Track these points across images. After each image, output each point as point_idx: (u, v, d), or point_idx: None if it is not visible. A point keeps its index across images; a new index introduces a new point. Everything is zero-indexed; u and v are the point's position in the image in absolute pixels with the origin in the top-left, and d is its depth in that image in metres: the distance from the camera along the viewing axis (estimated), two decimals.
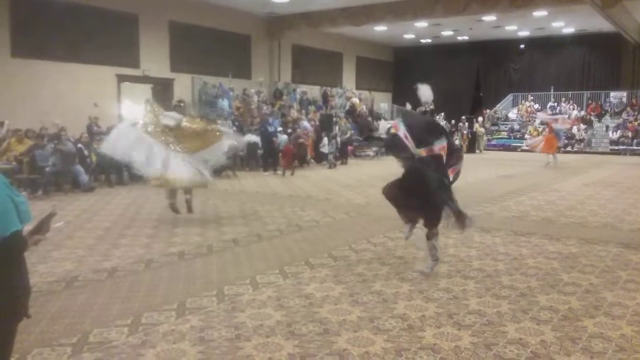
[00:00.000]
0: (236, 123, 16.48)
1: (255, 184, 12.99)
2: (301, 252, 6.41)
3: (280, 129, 16.90)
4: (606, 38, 25.03)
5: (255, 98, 20.09)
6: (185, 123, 8.20)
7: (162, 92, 19.30)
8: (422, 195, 5.40)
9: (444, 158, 5.48)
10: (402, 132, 5.53)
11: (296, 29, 23.07)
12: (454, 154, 5.72)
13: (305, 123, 17.96)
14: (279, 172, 14.82)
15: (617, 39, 24.66)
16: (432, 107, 6.15)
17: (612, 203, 9.92)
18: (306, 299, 4.79)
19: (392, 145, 5.76)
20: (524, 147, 22.39)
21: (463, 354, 3.72)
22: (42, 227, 2.49)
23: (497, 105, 27.82)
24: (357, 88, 28.31)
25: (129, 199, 10.57)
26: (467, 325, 4.21)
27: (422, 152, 5.42)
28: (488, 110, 26.54)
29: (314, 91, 24.61)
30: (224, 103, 18.72)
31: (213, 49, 20.20)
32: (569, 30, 26.18)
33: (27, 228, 2.47)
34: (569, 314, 4.43)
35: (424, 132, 5.54)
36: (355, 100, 24.53)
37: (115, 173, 12.47)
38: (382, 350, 3.77)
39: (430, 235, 5.59)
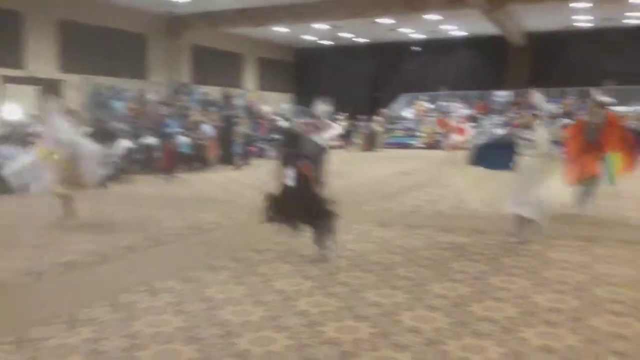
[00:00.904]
0: (132, 125, 15.88)
1: (153, 187, 12.57)
2: (202, 255, 6.31)
3: (180, 130, 16.48)
4: (492, 40, 26.73)
5: (152, 99, 19.47)
6: None
7: (50, 94, 18.22)
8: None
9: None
10: None
11: (195, 29, 22.62)
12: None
13: (206, 125, 17.64)
14: (167, 177, 14.36)
15: (502, 41, 26.44)
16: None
17: (499, 195, 10.57)
18: (207, 302, 4.72)
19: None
20: (419, 145, 23.32)
21: (362, 345, 3.83)
22: None
23: (393, 105, 28.84)
24: (260, 89, 28.27)
25: (11, 209, 9.85)
26: (366, 316, 4.34)
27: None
28: (385, 110, 27.44)
29: (214, 92, 24.27)
30: (118, 105, 18.00)
31: (106, 48, 19.37)
32: (458, 33, 27.71)
33: None
34: (459, 300, 4.69)
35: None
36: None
37: None
38: (284, 347, 3.80)
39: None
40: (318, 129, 6.07)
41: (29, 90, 17.76)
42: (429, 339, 3.91)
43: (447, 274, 5.46)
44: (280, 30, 25.64)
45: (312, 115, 6.23)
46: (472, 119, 22.71)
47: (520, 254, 6.18)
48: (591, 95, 8.93)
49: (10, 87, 16.64)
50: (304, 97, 23.29)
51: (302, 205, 5.80)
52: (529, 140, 6.38)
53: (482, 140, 6.68)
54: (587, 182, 8.01)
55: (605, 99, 8.88)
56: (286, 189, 5.90)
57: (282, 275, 5.48)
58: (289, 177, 5.82)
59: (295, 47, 31.75)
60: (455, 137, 18.02)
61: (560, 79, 26.23)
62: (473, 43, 28.49)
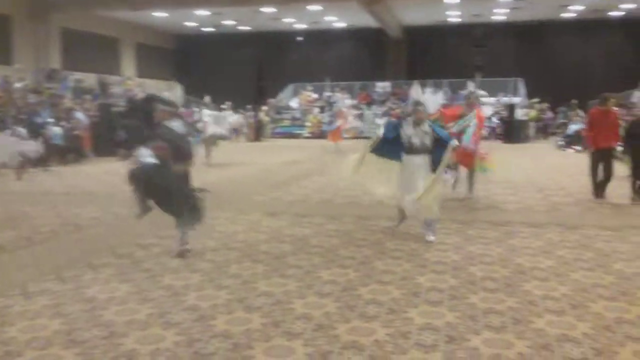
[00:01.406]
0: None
1: (22, 182, 11.61)
2: (81, 254, 5.94)
3: (51, 120, 15.34)
4: (372, 33, 27.67)
5: (19, 86, 17.93)
6: None
7: None
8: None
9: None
10: None
11: (64, 11, 21.11)
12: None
13: (79, 114, 16.57)
14: (52, 168, 13.46)
15: (382, 34, 27.45)
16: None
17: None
18: (88, 302, 4.46)
19: None
20: (306, 135, 23.56)
21: (254, 335, 3.82)
22: None
23: (280, 95, 28.94)
24: (139, 76, 27.05)
25: None
26: (257, 307, 4.34)
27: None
28: (271, 100, 27.45)
29: (89, 79, 22.85)
30: None
31: None
32: (340, 24, 28.35)
33: None
34: (347, 285, 4.83)
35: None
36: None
37: None
38: (173, 344, 3.69)
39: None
40: (174, 115, 5.77)
41: None
42: (319, 324, 4.00)
43: (335, 260, 5.60)
44: (160, 15, 24.68)
45: (169, 103, 5.93)
46: (355, 108, 23.33)
47: (402, 237, 6.48)
48: (468, 88, 9.61)
49: None
50: (186, 85, 22.61)
51: (162, 190, 5.58)
52: (415, 136, 6.30)
53: (386, 131, 6.50)
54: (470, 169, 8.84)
55: (480, 92, 9.76)
56: (146, 170, 5.60)
57: (170, 270, 5.32)
58: (144, 156, 5.55)
59: (176, 34, 30.77)
60: (340, 126, 18.45)
61: (435, 71, 27.73)
62: (354, 35, 29.30)
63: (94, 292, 4.71)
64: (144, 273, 5.22)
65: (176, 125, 5.72)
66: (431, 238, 6.25)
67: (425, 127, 6.34)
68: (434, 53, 28.97)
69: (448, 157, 6.29)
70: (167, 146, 5.54)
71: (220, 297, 4.58)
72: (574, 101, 22.54)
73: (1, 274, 5.26)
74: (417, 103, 6.55)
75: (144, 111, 5.85)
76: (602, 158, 8.63)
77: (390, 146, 6.46)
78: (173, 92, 6.08)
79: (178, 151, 5.62)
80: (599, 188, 8.73)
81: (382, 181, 6.57)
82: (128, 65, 27.23)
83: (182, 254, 5.75)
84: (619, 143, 8.97)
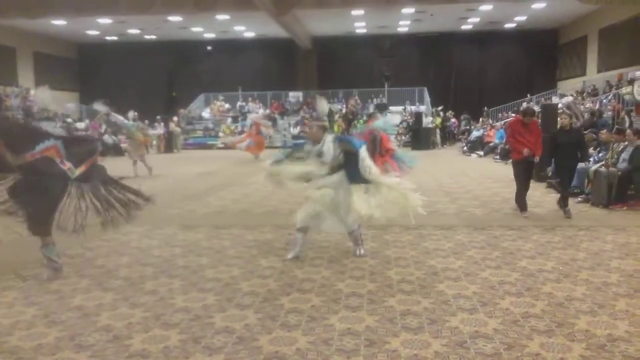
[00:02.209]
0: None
1: None
2: None
3: None
4: (283, 43, 27.86)
5: None
6: None
7: None
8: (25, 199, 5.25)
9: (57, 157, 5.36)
10: None
11: None
12: (81, 146, 5.70)
13: None
14: None
15: (292, 44, 27.70)
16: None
17: (299, 192, 11.07)
18: None
19: None
20: (220, 145, 23.31)
21: (173, 353, 3.72)
22: None
23: (191, 105, 28.45)
24: (37, 86, 25.56)
25: None
26: (175, 323, 4.22)
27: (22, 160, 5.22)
28: (182, 110, 26.89)
29: None
30: None
31: None
32: (250, 34, 28.33)
33: None
34: (268, 295, 4.81)
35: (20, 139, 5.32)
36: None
37: None
38: None
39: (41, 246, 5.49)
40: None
41: None
42: (241, 337, 3.95)
43: (255, 271, 5.57)
44: (59, 23, 23.53)
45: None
46: (269, 118, 23.37)
47: (321, 245, 6.55)
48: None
49: None
50: (90, 96, 21.64)
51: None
52: (319, 154, 5.83)
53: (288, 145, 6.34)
54: None
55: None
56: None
57: (80, 290, 5.06)
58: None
59: (78, 42, 29.43)
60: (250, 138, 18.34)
61: (345, 81, 28.38)
62: (265, 44, 29.39)
63: None
64: (52, 294, 4.93)
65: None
66: (362, 251, 6.05)
67: (329, 143, 5.80)
68: (344, 63, 29.66)
69: (367, 160, 5.66)
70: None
71: (135, 315, 4.42)
72: (486, 109, 23.93)
73: None
74: (317, 118, 6.13)
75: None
76: (525, 168, 8.29)
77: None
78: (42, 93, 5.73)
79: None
80: (522, 201, 8.39)
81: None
82: (26, 75, 25.70)
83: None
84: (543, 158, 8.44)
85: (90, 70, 29.33)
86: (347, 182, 5.80)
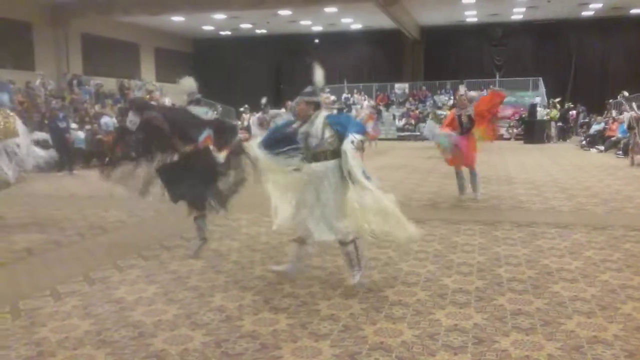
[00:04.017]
0: (21, 119, 14.75)
1: (48, 186, 11.80)
2: (107, 256, 6.01)
3: (74, 125, 15.56)
4: (389, 34, 27.61)
5: (42, 91, 18.21)
6: None
7: None
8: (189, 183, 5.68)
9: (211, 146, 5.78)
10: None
11: (85, 16, 21.40)
12: (225, 134, 6.02)
13: (107, 118, 16.78)
14: (76, 172, 13.70)
15: (399, 35, 27.38)
16: (197, 96, 6.23)
17: (402, 184, 11.01)
18: (117, 303, 4.52)
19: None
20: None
21: (281, 336, 3.84)
22: None
23: (298, 98, 29.01)
24: (158, 80, 27.32)
25: None
26: (283, 308, 4.35)
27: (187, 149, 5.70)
28: (290, 102, 27.51)
29: (109, 84, 23.12)
30: (4, 97, 16.63)
31: None
32: (357, 26, 28.33)
33: None
34: (372, 286, 4.82)
35: (188, 127, 5.75)
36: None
37: None
38: (201, 345, 3.72)
39: (197, 217, 5.91)
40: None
41: None
42: (346, 325, 3.99)
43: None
44: (177, 19, 24.91)
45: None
46: (374, 110, 23.28)
47: (425, 239, 6.43)
48: (459, 90, 9.53)
49: None
50: (204, 88, 22.74)
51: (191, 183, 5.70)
52: (306, 135, 4.73)
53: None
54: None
55: (472, 93, 9.75)
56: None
57: (195, 271, 5.36)
58: None
59: (193, 38, 31.00)
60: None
61: (453, 72, 27.61)
62: (371, 36, 29.27)
63: (121, 293, 4.76)
64: (170, 274, 5.27)
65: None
66: (357, 278, 4.76)
67: (318, 122, 4.73)
68: (452, 53, 28.86)
69: (351, 157, 4.49)
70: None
71: (245, 298, 4.61)
72: (611, 101, 22.20)
73: (31, 277, 5.34)
74: (308, 92, 4.92)
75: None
76: None
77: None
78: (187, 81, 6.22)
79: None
80: None
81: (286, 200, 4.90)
82: (147, 69, 27.51)
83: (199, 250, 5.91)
84: None
85: (204, 64, 30.78)
86: (338, 176, 4.65)
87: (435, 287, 4.76)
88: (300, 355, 3.55)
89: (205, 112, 6.16)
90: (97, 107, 18.35)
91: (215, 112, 6.52)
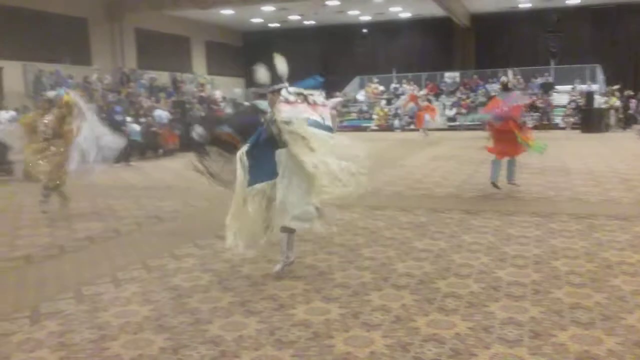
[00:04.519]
0: None
1: (106, 176, 12.18)
2: (164, 244, 6.19)
3: (129, 118, 16.05)
4: (439, 22, 27.11)
5: (99, 86, 18.84)
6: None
7: None
8: None
9: None
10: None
11: (138, 11, 21.96)
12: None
13: (159, 111, 17.23)
14: (132, 163, 14.15)
15: (449, 23, 26.85)
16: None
17: (453, 174, 10.85)
18: (174, 290, 4.66)
19: None
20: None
21: (333, 325, 3.87)
22: None
23: (346, 88, 28.92)
24: (209, 73, 27.80)
25: None
26: (335, 298, 4.39)
27: None
28: (338, 93, 27.47)
29: (162, 77, 23.68)
30: (62, 92, 17.31)
31: (46, 33, 18.54)
32: (406, 14, 27.96)
33: None
34: (424, 278, 4.79)
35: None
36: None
37: None
38: (255, 331, 3.80)
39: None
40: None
41: None
42: (397, 316, 3.99)
43: (410, 253, 5.56)
44: (227, 12, 25.22)
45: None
46: (424, 99, 22.96)
47: (478, 231, 6.34)
48: (505, 76, 9.16)
49: None
50: (253, 81, 22.96)
51: None
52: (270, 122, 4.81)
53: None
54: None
55: (512, 79, 9.47)
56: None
57: (248, 260, 5.44)
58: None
59: (243, 30, 31.32)
60: (428, 117, 18.42)
61: (505, 60, 26.84)
62: (420, 25, 28.82)
63: (178, 281, 4.91)
64: (224, 263, 5.39)
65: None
66: (276, 267, 4.91)
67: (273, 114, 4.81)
68: (504, 41, 28.07)
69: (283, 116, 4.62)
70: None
71: (297, 287, 4.67)
72: None
73: (92, 264, 5.57)
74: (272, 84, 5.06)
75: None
76: None
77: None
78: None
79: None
80: None
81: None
82: (199, 62, 28.01)
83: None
84: None
85: (253, 57, 30.95)
86: (288, 164, 4.71)
87: (489, 280, 4.69)
88: (352, 345, 3.57)
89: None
90: (149, 101, 18.83)
91: None
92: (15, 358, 3.49)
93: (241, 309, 4.22)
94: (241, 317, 4.07)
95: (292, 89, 4.86)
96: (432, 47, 29.66)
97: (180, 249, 5.95)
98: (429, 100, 20.60)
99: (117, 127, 14.04)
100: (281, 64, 5.13)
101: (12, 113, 14.71)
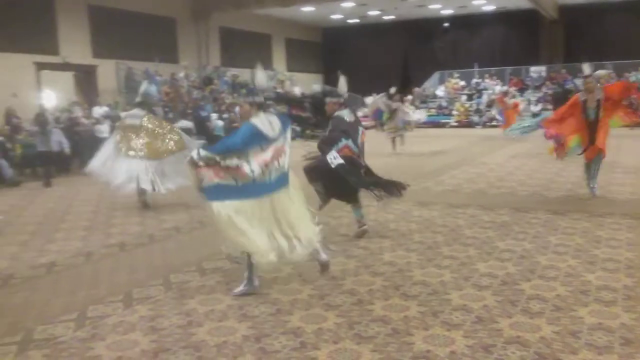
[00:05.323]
0: (166, 109, 16.06)
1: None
2: None
3: (214, 114, 16.62)
4: (524, 14, 26.10)
5: (185, 83, 19.61)
6: (146, 122, 7.96)
7: (84, 79, 18.52)
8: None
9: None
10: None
11: (223, 10, 22.64)
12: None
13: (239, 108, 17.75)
14: None
15: (535, 15, 25.79)
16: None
17: (538, 172, 10.45)
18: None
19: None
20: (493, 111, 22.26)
21: (412, 322, 3.85)
22: None
23: (425, 83, 28.49)
24: (288, 70, 28.24)
25: (59, 191, 10.13)
26: (414, 295, 4.36)
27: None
28: (417, 89, 27.11)
29: (244, 74, 24.29)
30: (152, 89, 18.16)
31: (137, 33, 19.52)
32: (489, 7, 27.13)
33: None
34: (507, 279, 4.66)
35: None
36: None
37: (42, 166, 11.86)
38: (334, 325, 3.85)
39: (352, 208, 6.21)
40: (341, 105, 6.08)
41: (64, 76, 18.10)
42: (479, 317, 3.91)
43: (492, 252, 5.42)
44: (307, 9, 25.49)
45: (336, 94, 6.21)
46: (507, 95, 22.25)
47: (565, 232, 6.09)
48: (583, 71, 8.01)
49: (45, 73, 16.94)
50: (332, 77, 23.13)
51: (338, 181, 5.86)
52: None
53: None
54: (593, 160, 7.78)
55: (601, 71, 8.50)
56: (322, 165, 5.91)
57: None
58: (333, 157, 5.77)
59: (322, 27, 31.55)
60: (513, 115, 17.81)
61: (596, 53, 25.42)
62: (505, 17, 27.87)
63: (260, 272, 5.03)
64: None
65: (345, 113, 5.98)
66: (235, 291, 4.53)
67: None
68: (595, 33, 26.58)
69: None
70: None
71: (376, 283, 4.67)
72: None
73: (179, 253, 5.84)
74: (249, 92, 4.77)
75: (316, 105, 6.19)
76: None
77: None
78: (339, 83, 6.29)
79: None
80: None
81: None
82: (279, 59, 28.52)
83: (360, 234, 6.13)
84: None
85: (332, 53, 31.23)
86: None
87: (576, 283, 4.49)
88: (432, 343, 3.54)
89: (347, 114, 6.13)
90: (230, 98, 19.38)
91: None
92: (110, 339, 3.73)
93: (320, 302, 4.28)
94: (320, 310, 4.13)
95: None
96: (516, 41, 28.60)
97: None
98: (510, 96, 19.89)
99: (202, 122, 14.66)
100: (261, 75, 4.89)
101: (105, 108, 15.65)
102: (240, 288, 4.52)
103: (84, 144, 12.58)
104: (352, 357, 3.40)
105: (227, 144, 4.41)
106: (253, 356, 3.43)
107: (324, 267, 4.79)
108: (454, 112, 24.99)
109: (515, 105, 18.17)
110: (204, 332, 3.79)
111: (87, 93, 18.13)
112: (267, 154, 4.33)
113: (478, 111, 24.20)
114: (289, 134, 4.58)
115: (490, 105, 22.54)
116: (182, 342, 3.64)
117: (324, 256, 4.78)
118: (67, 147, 11.75)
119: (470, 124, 23.91)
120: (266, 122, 4.38)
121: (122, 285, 4.80)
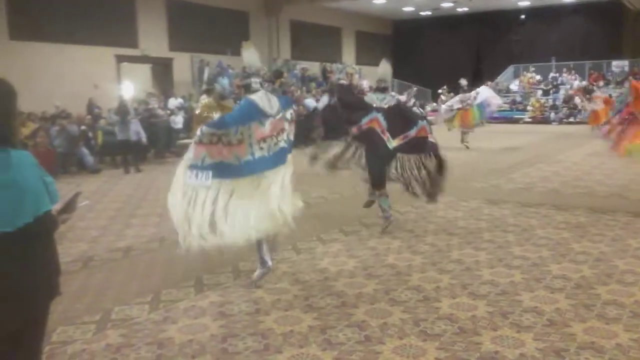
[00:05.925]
0: (238, 101, 16.39)
1: None
2: (312, 229, 6.43)
3: None
4: (607, 6, 24.78)
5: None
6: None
7: (161, 72, 19.20)
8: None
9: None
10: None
11: (294, 3, 22.85)
12: (400, 121, 6.11)
13: (308, 100, 17.86)
14: None
15: (618, 6, 24.42)
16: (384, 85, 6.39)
17: (618, 172, 9.93)
18: (321, 273, 4.85)
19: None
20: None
21: (480, 322, 3.78)
22: (68, 207, 2.50)
23: (498, 77, 27.65)
24: (357, 63, 28.13)
25: (136, 179, 10.60)
26: (482, 295, 4.27)
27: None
28: (489, 82, 26.36)
29: (313, 67, 24.44)
30: (224, 81, 18.60)
31: (211, 26, 20.01)
32: None
33: (55, 208, 2.48)
34: (581, 282, 4.48)
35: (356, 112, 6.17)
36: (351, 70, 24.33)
37: (122, 154, 12.43)
38: (400, 321, 3.83)
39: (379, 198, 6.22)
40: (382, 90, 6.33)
41: (142, 68, 18.84)
42: (551, 320, 3.78)
43: (566, 254, 5.22)
44: (379, 2, 25.29)
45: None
46: (586, 90, 21.23)
47: None
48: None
49: (124, 65, 17.69)
50: (401, 70, 22.82)
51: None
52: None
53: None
54: None
55: None
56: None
57: (392, 250, 5.50)
58: None
59: (393, 19, 31.21)
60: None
61: None
62: (585, 9, 26.56)
63: (325, 264, 5.09)
64: (369, 250, 5.49)
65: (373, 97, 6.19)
66: (254, 275, 4.59)
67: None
68: None
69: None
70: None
71: (443, 280, 4.61)
72: None
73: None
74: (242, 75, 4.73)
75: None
76: None
77: None
78: (382, 67, 6.37)
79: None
80: None
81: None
82: (348, 52, 28.48)
83: (385, 227, 6.14)
84: None
85: (403, 46, 30.85)
86: None
87: None
88: (501, 345, 3.46)
89: (381, 99, 6.20)
90: (298, 91, 19.56)
91: (394, 96, 6.56)
92: (182, 322, 3.88)
93: (386, 297, 4.28)
94: (386, 304, 4.12)
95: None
96: (596, 34, 27.20)
97: (327, 233, 6.16)
98: (591, 91, 18.93)
99: None
100: (249, 57, 4.76)
101: (180, 100, 16.19)
102: (256, 272, 4.56)
103: (160, 134, 13.08)
104: (418, 353, 3.38)
105: (226, 119, 4.45)
106: (318, 347, 3.48)
107: (263, 272, 4.57)
108: (529, 108, 24.13)
109: (607, 101, 17.20)
110: (271, 321, 3.87)
111: (163, 85, 18.79)
112: (266, 129, 4.35)
113: (554, 107, 23.25)
114: (288, 114, 4.58)
115: (567, 100, 21.62)
116: (250, 329, 3.74)
117: (269, 261, 4.56)
118: (144, 137, 12.24)
119: (545, 120, 23.02)
120: (265, 100, 4.44)
121: (194, 270, 4.96)
